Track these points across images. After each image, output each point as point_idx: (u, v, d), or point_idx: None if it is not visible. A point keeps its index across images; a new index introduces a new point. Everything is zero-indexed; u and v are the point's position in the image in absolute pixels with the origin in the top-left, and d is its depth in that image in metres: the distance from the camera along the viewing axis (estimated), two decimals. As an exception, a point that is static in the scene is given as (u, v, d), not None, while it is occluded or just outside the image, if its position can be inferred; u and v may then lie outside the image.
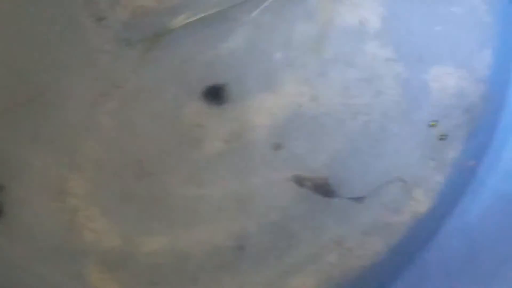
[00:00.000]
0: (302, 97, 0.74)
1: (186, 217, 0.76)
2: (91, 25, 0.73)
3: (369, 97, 0.74)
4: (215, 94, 0.72)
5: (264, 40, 0.73)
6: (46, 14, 0.76)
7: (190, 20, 0.71)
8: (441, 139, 0.73)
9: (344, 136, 0.75)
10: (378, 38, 0.74)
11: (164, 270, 0.75)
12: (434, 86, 0.75)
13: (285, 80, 0.75)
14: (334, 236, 0.77)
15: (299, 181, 0.75)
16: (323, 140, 0.75)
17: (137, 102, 0.75)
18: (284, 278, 0.77)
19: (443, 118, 0.75)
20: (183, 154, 0.76)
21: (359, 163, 0.75)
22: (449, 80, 0.75)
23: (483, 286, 0.63)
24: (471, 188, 0.73)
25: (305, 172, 0.77)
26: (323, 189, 0.75)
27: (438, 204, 0.76)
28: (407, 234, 0.77)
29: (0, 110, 0.72)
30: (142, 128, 0.75)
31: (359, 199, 0.74)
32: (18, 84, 0.72)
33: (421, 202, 0.75)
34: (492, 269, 0.64)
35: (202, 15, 0.71)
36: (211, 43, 0.76)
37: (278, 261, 0.74)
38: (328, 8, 0.73)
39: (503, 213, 0.68)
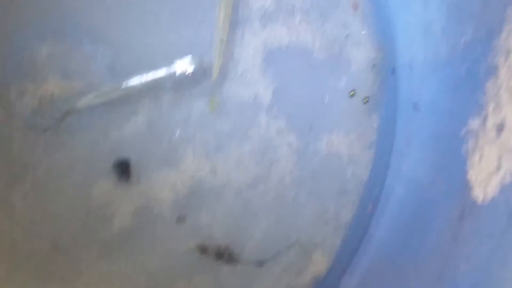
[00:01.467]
0: (202, 171, 0.81)
1: (100, 290, 0.78)
2: (1, 115, 0.79)
3: (265, 167, 0.81)
4: (121, 172, 0.80)
5: (165, 118, 0.80)
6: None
7: (95, 102, 0.79)
8: (333, 207, 0.81)
9: (243, 205, 0.81)
10: (271, 111, 0.81)
11: None
12: (326, 153, 0.82)
13: (185, 156, 0.81)
14: (238, 299, 0.80)
15: (203, 250, 0.81)
16: (223, 210, 0.81)
17: (48, 184, 0.79)
18: None
19: (337, 181, 0.82)
20: (94, 231, 0.82)
21: (259, 230, 0.81)
22: (341, 147, 0.82)
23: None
24: (363, 246, 0.80)
25: (208, 241, 0.84)
26: (226, 256, 0.81)
27: (336, 263, 0.81)
28: (308, 294, 0.81)
29: None
30: (54, 208, 0.80)
31: (260, 264, 0.81)
32: None
33: (320, 263, 0.82)
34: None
35: (107, 98, 0.79)
36: (116, 123, 0.82)
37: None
38: (223, 85, 0.81)
39: (391, 265, 0.75)
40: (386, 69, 0.79)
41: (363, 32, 0.80)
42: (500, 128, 0.49)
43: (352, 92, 0.79)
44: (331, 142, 0.81)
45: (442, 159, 0.60)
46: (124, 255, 0.83)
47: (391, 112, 0.78)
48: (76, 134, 0.82)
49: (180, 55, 0.75)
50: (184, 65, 0.75)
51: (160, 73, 0.74)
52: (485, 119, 0.52)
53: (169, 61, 0.76)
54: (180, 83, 0.79)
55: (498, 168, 0.48)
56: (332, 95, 0.80)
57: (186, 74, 0.75)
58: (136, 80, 0.75)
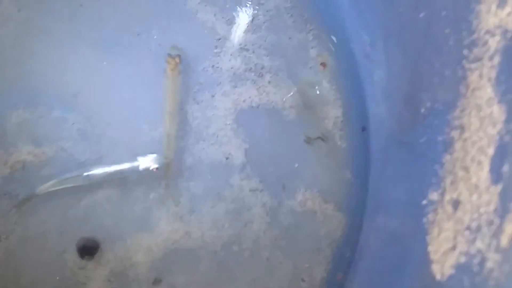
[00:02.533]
0: (177, 233, 0.83)
1: None
2: None
3: (239, 227, 0.83)
4: (94, 239, 0.82)
5: (135, 188, 0.83)
6: None
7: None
8: (308, 265, 0.83)
9: (218, 265, 0.83)
10: (243, 171, 0.83)
11: None
12: (299, 211, 0.84)
13: (159, 220, 0.82)
14: None
15: (179, 313, 0.82)
16: (199, 271, 0.83)
17: (21, 252, 0.81)
18: None
19: (311, 239, 0.84)
20: (69, 298, 0.79)
21: (234, 289, 0.83)
22: (314, 205, 0.84)
23: None
24: None
25: (184, 304, 0.81)
26: (202, 318, 0.82)
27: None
28: None
29: None
30: (27, 275, 0.82)
31: (237, 324, 0.82)
32: None
33: None
34: None
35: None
36: (88, 193, 0.84)
37: None
38: (195, 147, 0.83)
39: None
40: (356, 126, 0.81)
41: (332, 90, 0.82)
42: (455, 204, 0.52)
43: (324, 149, 0.81)
44: (304, 200, 0.82)
45: (407, 227, 0.62)
46: (99, 321, 0.76)
47: (363, 171, 0.80)
48: (49, 204, 0.84)
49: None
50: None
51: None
52: (443, 193, 0.54)
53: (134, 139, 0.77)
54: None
55: (454, 246, 0.50)
56: (303, 153, 0.82)
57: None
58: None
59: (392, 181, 0.68)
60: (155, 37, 0.81)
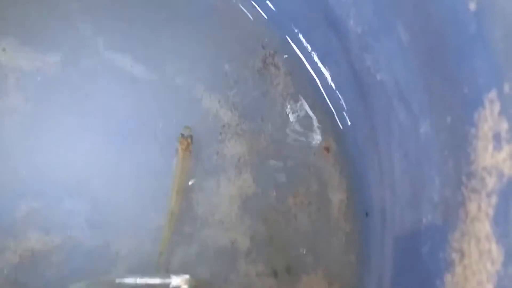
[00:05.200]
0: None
1: None
2: None
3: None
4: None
5: (146, 266, 0.85)
6: None
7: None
8: None
9: None
10: (249, 255, 0.86)
11: None
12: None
13: None
14: None
15: None
16: None
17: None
18: None
19: None
20: None
21: None
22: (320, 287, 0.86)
23: None
24: None
25: None
26: None
27: None
28: None
29: None
30: None
31: None
32: None
33: None
34: None
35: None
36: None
37: None
38: (201, 233, 0.85)
39: None
40: (360, 211, 0.84)
41: (336, 175, 0.84)
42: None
43: (329, 233, 0.83)
44: (310, 283, 0.84)
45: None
46: None
47: (367, 257, 0.82)
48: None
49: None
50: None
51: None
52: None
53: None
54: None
55: None
56: (308, 236, 0.84)
57: None
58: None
59: (396, 281, 0.70)
60: (160, 125, 0.83)
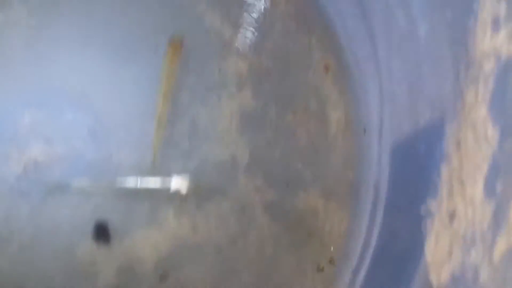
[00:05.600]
0: (183, 229, 0.87)
1: None
2: None
3: (244, 224, 0.88)
4: (103, 234, 0.86)
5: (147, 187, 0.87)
6: None
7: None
8: (312, 261, 0.87)
9: (224, 260, 0.88)
10: (248, 169, 0.88)
11: None
12: (302, 209, 0.89)
13: (167, 215, 0.87)
14: None
15: (185, 307, 0.86)
16: (205, 266, 0.88)
17: (34, 246, 0.86)
18: None
19: (314, 236, 0.89)
20: (80, 289, 0.83)
21: (240, 285, 0.88)
22: (317, 203, 0.89)
23: None
24: None
25: (191, 298, 0.85)
26: (208, 312, 0.87)
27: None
28: None
29: None
30: (41, 268, 0.86)
31: (244, 318, 0.86)
32: None
33: None
34: None
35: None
36: (97, 191, 0.87)
37: None
38: (202, 147, 0.87)
39: None
40: (358, 128, 0.85)
41: (335, 92, 0.86)
42: (452, 216, 0.56)
43: (327, 151, 0.85)
44: (308, 198, 0.86)
45: (407, 232, 0.66)
46: (109, 312, 0.80)
47: (364, 171, 0.84)
48: (59, 199, 0.85)
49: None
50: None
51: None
52: (440, 203, 0.59)
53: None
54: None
55: (450, 257, 0.55)
56: (307, 152, 0.86)
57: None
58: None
59: (393, 186, 0.72)
60: (162, 39, 0.84)
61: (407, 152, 0.68)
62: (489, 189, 0.50)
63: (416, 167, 0.64)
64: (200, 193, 0.81)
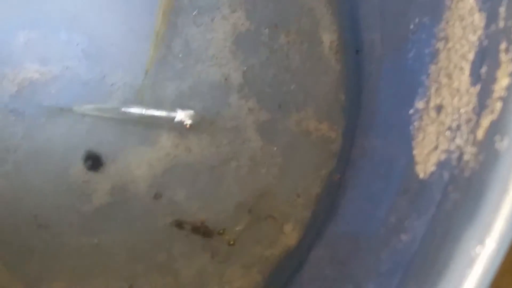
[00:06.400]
0: (177, 149, 0.89)
1: (82, 265, 0.90)
2: None
3: (237, 145, 0.90)
4: (97, 153, 0.88)
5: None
6: None
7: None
8: (303, 182, 0.89)
9: (217, 180, 0.90)
10: (241, 91, 0.90)
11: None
12: (295, 130, 0.90)
13: (160, 135, 0.89)
14: (214, 271, 0.91)
15: (179, 225, 0.89)
16: (198, 186, 0.90)
17: (29, 164, 0.88)
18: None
19: (307, 157, 0.91)
20: (74, 208, 0.89)
21: (233, 204, 0.91)
22: (309, 124, 0.91)
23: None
24: (332, 217, 0.89)
25: (184, 217, 0.91)
26: (202, 230, 0.90)
27: (306, 235, 0.91)
28: (280, 264, 0.92)
29: None
30: (35, 187, 0.88)
31: (235, 237, 0.89)
32: None
33: (291, 235, 0.91)
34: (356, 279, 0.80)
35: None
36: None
37: (165, 299, 0.88)
38: (195, 68, 0.89)
39: (351, 247, 0.83)
40: (350, 49, 0.87)
41: (328, 14, 0.87)
42: (439, 109, 0.58)
43: (319, 72, 0.86)
44: (300, 120, 0.88)
45: (396, 136, 0.69)
46: (103, 230, 0.90)
47: (356, 90, 0.86)
48: (53, 119, 0.88)
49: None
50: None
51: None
52: (428, 101, 0.61)
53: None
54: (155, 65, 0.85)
55: (436, 146, 0.57)
56: (299, 74, 0.88)
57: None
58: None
59: (383, 98, 0.74)
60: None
61: (396, 63, 0.70)
62: (475, 74, 0.52)
63: (405, 75, 0.66)
64: (195, 117, 0.81)
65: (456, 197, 0.50)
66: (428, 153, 0.57)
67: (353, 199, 0.83)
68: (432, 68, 0.59)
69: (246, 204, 0.92)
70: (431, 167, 0.55)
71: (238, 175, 0.91)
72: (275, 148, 0.90)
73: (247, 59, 0.87)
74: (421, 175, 0.57)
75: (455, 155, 0.52)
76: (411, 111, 0.62)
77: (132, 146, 0.90)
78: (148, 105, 0.86)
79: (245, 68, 0.87)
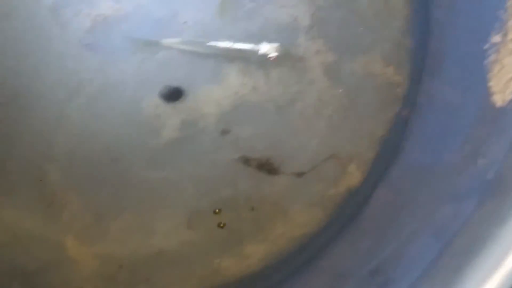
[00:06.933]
0: (245, 87, 0.92)
1: (150, 197, 0.93)
2: (58, 33, 0.92)
3: (304, 85, 0.92)
4: (170, 89, 0.91)
5: (211, 37, 0.92)
6: (17, 27, 0.93)
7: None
8: (369, 123, 0.92)
9: (283, 120, 0.93)
10: (310, 32, 0.92)
11: (132, 245, 0.93)
12: (362, 73, 0.93)
13: (229, 74, 0.92)
14: (279, 208, 0.93)
15: (246, 161, 0.92)
16: (265, 124, 0.93)
17: (102, 98, 0.91)
18: (236, 246, 0.93)
19: (373, 99, 0.94)
20: (144, 141, 0.92)
21: (298, 143, 0.92)
22: (376, 67, 0.93)
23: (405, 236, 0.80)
24: (396, 159, 0.92)
25: (250, 153, 0.94)
26: (267, 167, 0.92)
27: (370, 175, 0.93)
28: (343, 203, 0.94)
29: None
30: (107, 120, 0.92)
31: (299, 175, 0.92)
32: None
33: (355, 176, 0.93)
34: (412, 225, 0.82)
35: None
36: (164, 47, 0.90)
37: (229, 232, 0.93)
38: (265, 9, 0.92)
39: (420, 180, 0.86)
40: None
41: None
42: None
43: (386, 15, 0.88)
44: (366, 62, 0.91)
45: (469, 73, 0.70)
46: (172, 164, 0.93)
47: (424, 34, 0.87)
48: (127, 54, 0.92)
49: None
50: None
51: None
52: (506, 34, 0.62)
53: None
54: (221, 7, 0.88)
55: None
56: (367, 17, 0.89)
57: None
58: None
59: (453, 38, 0.76)
60: None
61: (472, 2, 0.71)
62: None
63: (479, 10, 0.67)
64: (280, 50, 0.83)
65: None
66: (506, 82, 0.58)
67: (420, 139, 0.86)
68: (509, 3, 0.61)
69: (311, 143, 0.94)
70: (509, 95, 0.57)
71: (304, 115, 0.92)
72: (340, 90, 0.91)
73: (316, 0, 0.87)
74: (499, 104, 0.58)
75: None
76: (486, 46, 0.63)
77: (202, 83, 0.92)
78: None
79: (313, 9, 0.88)
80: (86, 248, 0.93)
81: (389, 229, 0.85)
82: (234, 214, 0.93)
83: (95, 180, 0.93)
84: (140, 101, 0.92)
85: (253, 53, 0.89)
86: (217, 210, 0.91)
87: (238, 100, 0.93)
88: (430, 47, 0.85)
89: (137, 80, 0.92)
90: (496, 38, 0.61)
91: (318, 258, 0.90)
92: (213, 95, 0.91)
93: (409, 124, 0.91)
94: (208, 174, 0.94)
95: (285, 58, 0.90)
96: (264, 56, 0.89)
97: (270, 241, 0.94)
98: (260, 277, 0.92)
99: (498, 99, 0.58)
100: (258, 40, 0.88)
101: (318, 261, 0.89)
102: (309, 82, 0.90)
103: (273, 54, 0.85)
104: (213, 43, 0.90)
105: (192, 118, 0.92)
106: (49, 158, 0.92)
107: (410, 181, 0.88)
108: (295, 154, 0.95)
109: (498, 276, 0.52)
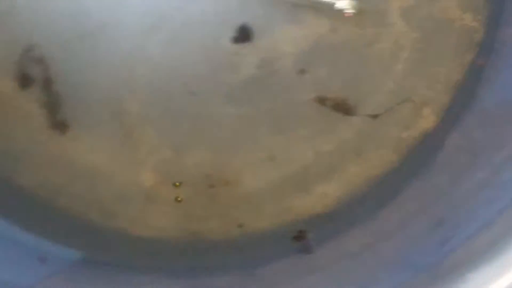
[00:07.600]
0: (322, 28, 0.94)
1: (226, 134, 0.94)
2: None
3: (381, 28, 0.93)
4: (248, 28, 0.93)
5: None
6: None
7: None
8: (444, 68, 0.94)
9: (360, 62, 0.94)
10: (388, -24, 0.92)
11: (209, 179, 0.95)
12: (439, 17, 0.95)
13: (307, 14, 0.93)
14: (353, 148, 0.95)
15: (322, 101, 0.94)
16: (342, 65, 0.94)
17: (182, 34, 0.93)
18: (309, 185, 0.95)
19: (449, 44, 0.96)
20: (222, 78, 0.94)
21: (374, 85, 0.94)
22: (453, 12, 0.94)
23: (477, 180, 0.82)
24: (471, 105, 0.93)
25: (327, 93, 0.95)
26: (343, 107, 0.94)
27: (444, 120, 0.94)
28: (416, 147, 0.96)
29: (65, 41, 0.94)
30: (186, 55, 0.93)
31: (374, 117, 0.94)
32: (80, 20, 0.95)
33: (429, 120, 0.95)
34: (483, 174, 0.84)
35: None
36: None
37: (304, 169, 0.95)
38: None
39: (498, 125, 0.87)
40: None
41: None
42: None
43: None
44: (444, 8, 0.94)
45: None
46: (249, 101, 0.94)
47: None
48: None
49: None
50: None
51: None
52: None
53: None
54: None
55: None
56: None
57: (344, 11, 0.89)
58: None
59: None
60: None
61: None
62: None
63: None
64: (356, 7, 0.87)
65: None
66: None
67: (495, 86, 0.89)
68: None
69: (387, 86, 0.95)
70: None
71: (381, 58, 0.94)
72: (418, 34, 0.92)
73: None
74: None
75: None
76: None
77: (280, 23, 0.93)
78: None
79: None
80: (162, 181, 0.90)
81: (459, 176, 0.86)
82: (310, 154, 0.94)
83: (172, 114, 0.95)
84: (219, 38, 0.94)
85: (329, 5, 0.89)
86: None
87: (316, 40, 0.94)
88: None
89: (217, 17, 0.93)
90: None
91: (389, 199, 0.92)
92: (291, 35, 0.93)
93: (484, 71, 0.91)
94: (284, 113, 0.95)
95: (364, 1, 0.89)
96: (340, 11, 0.89)
97: (344, 179, 0.94)
98: (332, 216, 0.94)
99: None
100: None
101: (389, 202, 0.91)
102: (386, 25, 0.92)
103: (350, 10, 0.85)
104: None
105: (269, 57, 0.93)
106: (128, 89, 0.95)
107: (484, 129, 0.88)
108: (370, 96, 0.96)
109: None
